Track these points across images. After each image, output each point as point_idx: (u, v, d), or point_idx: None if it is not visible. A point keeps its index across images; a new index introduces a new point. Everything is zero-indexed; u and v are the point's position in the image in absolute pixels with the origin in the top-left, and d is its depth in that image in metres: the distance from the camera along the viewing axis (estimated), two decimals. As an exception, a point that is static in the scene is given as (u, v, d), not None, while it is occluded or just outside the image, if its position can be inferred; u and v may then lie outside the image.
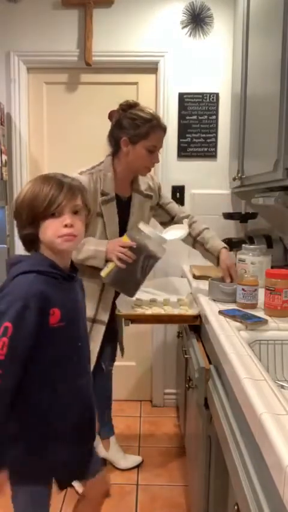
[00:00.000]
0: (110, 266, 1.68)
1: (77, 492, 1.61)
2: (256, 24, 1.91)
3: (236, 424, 1.02)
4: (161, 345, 2.78)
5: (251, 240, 2.33)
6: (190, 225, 1.96)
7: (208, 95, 2.60)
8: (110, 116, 1.85)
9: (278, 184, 1.65)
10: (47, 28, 2.58)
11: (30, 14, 2.57)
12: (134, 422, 2.61)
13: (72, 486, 1.27)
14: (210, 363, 1.44)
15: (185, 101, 2.60)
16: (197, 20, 2.56)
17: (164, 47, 2.58)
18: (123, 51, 2.58)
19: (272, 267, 1.87)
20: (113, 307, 1.87)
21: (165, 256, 1.77)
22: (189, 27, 2.57)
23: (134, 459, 2.19)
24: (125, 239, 1.67)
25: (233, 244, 2.28)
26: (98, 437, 2.14)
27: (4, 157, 2.51)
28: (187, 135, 2.63)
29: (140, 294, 1.97)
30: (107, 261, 1.70)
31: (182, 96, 2.60)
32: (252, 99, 1.99)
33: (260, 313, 1.45)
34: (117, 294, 1.88)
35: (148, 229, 1.68)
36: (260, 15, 1.84)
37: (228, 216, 2.49)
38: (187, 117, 2.62)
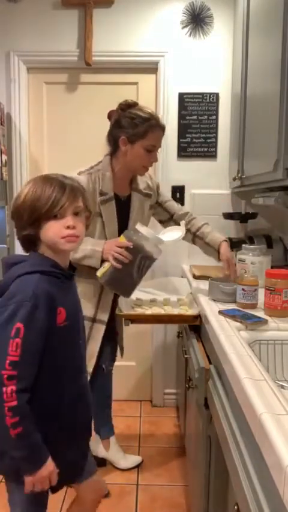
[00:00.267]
0: (106, 266, 1.68)
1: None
2: (256, 24, 1.91)
3: (236, 424, 1.02)
4: (161, 345, 2.78)
5: (251, 240, 2.33)
6: (189, 222, 1.98)
7: (208, 95, 2.60)
8: (109, 115, 1.85)
9: (278, 184, 1.65)
10: (47, 28, 2.58)
11: (30, 14, 2.57)
12: (134, 422, 2.61)
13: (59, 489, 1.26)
14: (210, 363, 1.44)
15: (185, 101, 2.60)
16: (197, 20, 2.56)
17: (164, 47, 2.58)
18: (123, 51, 2.58)
19: (272, 267, 1.87)
20: (113, 306, 1.87)
21: (165, 256, 1.77)
22: (189, 27, 2.57)
23: (134, 459, 2.19)
24: (122, 239, 1.67)
25: (233, 244, 2.27)
26: (98, 438, 2.15)
27: (4, 157, 2.51)
28: (187, 135, 2.63)
29: (140, 294, 1.97)
30: (104, 261, 1.70)
31: (182, 96, 2.60)
32: (252, 99, 1.99)
33: (260, 313, 1.45)
34: (117, 294, 1.88)
35: (145, 230, 1.67)
36: (260, 15, 1.84)
37: (228, 216, 2.49)
38: (187, 117, 2.62)
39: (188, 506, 1.88)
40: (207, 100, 2.60)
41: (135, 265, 1.66)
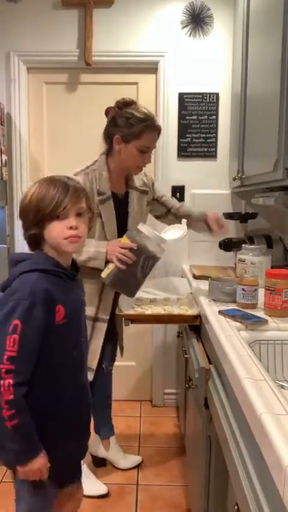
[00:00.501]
0: (110, 267, 1.68)
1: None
2: (256, 24, 1.91)
3: (236, 424, 1.02)
4: (161, 345, 2.78)
5: (251, 240, 2.33)
6: (178, 209, 2.00)
7: (208, 95, 2.59)
8: (107, 112, 1.85)
9: (278, 184, 1.65)
10: (47, 28, 2.58)
11: (30, 14, 2.57)
12: (134, 422, 2.61)
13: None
14: (210, 363, 1.44)
15: (185, 101, 2.60)
16: (197, 20, 2.56)
17: (164, 47, 2.58)
18: (123, 51, 2.58)
19: (272, 267, 1.87)
20: (114, 305, 1.87)
21: (165, 256, 1.77)
22: (189, 27, 2.57)
23: (134, 459, 2.19)
24: (125, 240, 1.68)
25: (233, 244, 2.28)
26: (98, 438, 2.15)
27: (4, 157, 2.51)
28: (187, 135, 2.63)
29: (140, 294, 1.97)
30: (108, 262, 1.70)
31: (182, 96, 2.60)
32: (252, 99, 1.99)
33: (260, 313, 1.45)
34: (117, 293, 1.88)
35: (147, 229, 1.68)
36: (260, 15, 1.84)
37: (228, 216, 2.49)
38: (187, 117, 2.62)
39: (188, 506, 1.88)
40: (207, 100, 2.60)
41: (139, 265, 1.67)
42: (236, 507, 0.89)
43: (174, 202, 2.06)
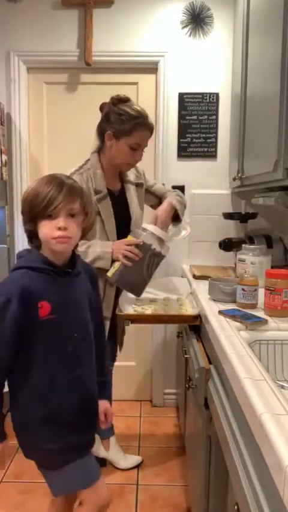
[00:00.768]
0: (116, 266, 1.70)
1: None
2: (256, 24, 1.91)
3: (236, 424, 1.02)
4: (161, 345, 2.78)
5: (251, 240, 2.33)
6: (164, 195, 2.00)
7: (208, 95, 2.59)
8: (101, 107, 1.85)
9: (278, 184, 1.65)
10: (47, 28, 2.58)
11: (30, 14, 2.57)
12: (134, 422, 2.61)
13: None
14: (210, 363, 1.44)
15: (185, 101, 2.60)
16: (197, 20, 2.56)
17: (164, 47, 2.58)
18: (123, 51, 2.58)
19: (272, 267, 1.87)
20: (115, 304, 1.87)
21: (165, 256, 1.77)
22: (189, 27, 2.57)
23: (134, 459, 2.19)
24: (130, 238, 1.69)
25: (233, 244, 2.28)
26: (98, 438, 2.15)
27: (4, 157, 2.52)
28: (187, 135, 2.63)
29: (140, 294, 1.97)
30: (114, 261, 1.71)
31: (182, 96, 2.60)
32: (252, 99, 1.99)
33: (260, 313, 1.45)
34: (118, 293, 1.88)
35: (152, 227, 1.70)
36: (260, 15, 1.84)
37: (228, 216, 2.49)
38: (187, 117, 2.62)
39: (188, 506, 1.88)
40: (207, 100, 2.60)
41: (145, 263, 1.68)
42: (236, 507, 0.89)
43: (164, 191, 2.05)
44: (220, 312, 1.47)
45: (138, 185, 1.96)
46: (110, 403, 1.40)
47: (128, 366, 2.74)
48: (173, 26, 2.57)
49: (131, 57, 2.59)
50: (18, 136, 2.66)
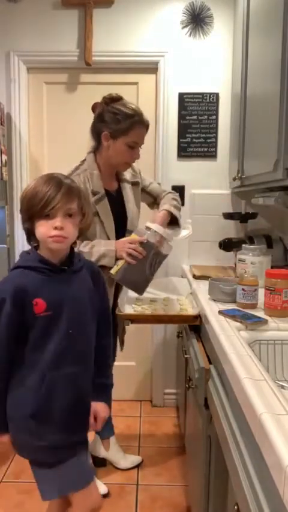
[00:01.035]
0: (120, 264, 1.71)
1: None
2: (256, 24, 1.91)
3: (236, 424, 1.02)
4: (161, 345, 2.78)
5: (251, 240, 2.33)
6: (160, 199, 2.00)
7: (208, 95, 2.60)
8: (93, 108, 1.85)
9: (278, 184, 1.65)
10: (47, 28, 2.58)
11: (30, 14, 2.57)
12: (134, 422, 2.61)
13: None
14: (210, 363, 1.44)
15: (185, 101, 2.60)
16: (197, 20, 2.56)
17: (164, 47, 2.58)
18: (123, 51, 2.58)
19: (272, 267, 1.87)
20: (115, 303, 1.87)
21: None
22: (189, 27, 2.57)
23: (134, 459, 2.19)
24: (134, 236, 1.70)
25: (233, 244, 2.28)
26: (98, 438, 2.15)
27: (4, 157, 2.52)
28: (187, 135, 2.63)
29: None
30: (117, 259, 1.71)
31: (182, 96, 2.60)
32: (252, 99, 1.99)
33: (260, 313, 1.45)
34: (117, 292, 1.88)
35: (155, 226, 1.71)
36: (260, 15, 1.84)
37: (228, 216, 2.49)
38: (187, 117, 2.62)
39: (188, 506, 1.88)
40: (207, 100, 2.60)
41: (148, 261, 1.70)
42: (236, 507, 0.89)
43: (160, 191, 2.04)
44: (220, 312, 1.47)
45: (134, 184, 1.96)
46: (110, 407, 1.39)
47: (128, 366, 2.74)
48: (173, 26, 2.57)
49: (131, 57, 2.59)
50: (18, 136, 2.66)
